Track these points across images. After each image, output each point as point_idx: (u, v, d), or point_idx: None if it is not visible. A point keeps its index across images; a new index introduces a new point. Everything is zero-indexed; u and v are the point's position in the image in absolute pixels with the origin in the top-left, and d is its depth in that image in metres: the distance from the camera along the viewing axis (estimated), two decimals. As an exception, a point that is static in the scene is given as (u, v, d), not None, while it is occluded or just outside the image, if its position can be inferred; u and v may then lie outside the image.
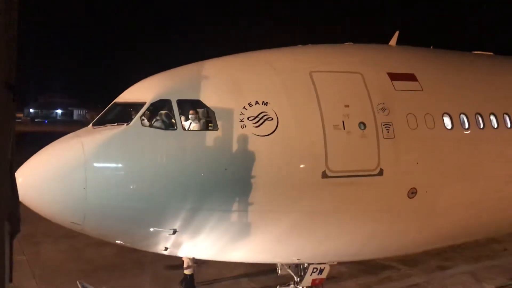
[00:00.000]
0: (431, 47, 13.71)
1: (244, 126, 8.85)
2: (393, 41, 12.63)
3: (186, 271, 13.42)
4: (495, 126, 11.73)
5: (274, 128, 8.93)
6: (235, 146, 8.78)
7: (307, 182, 9.16)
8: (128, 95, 9.74)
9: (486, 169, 11.58)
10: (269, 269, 13.50)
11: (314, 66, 9.84)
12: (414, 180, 10.14)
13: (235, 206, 8.92)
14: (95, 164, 8.45)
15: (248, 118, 8.89)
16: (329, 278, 14.14)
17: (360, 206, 9.84)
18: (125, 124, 8.83)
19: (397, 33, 12.65)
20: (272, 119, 8.95)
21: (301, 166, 9.17)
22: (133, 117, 9.00)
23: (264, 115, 8.94)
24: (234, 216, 8.99)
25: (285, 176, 9.06)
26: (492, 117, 11.70)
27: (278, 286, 11.56)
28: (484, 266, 17.09)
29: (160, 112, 9.05)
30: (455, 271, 16.60)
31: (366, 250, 10.93)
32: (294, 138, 9.15)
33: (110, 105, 9.61)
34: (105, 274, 15.44)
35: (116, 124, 8.94)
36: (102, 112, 9.52)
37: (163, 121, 8.99)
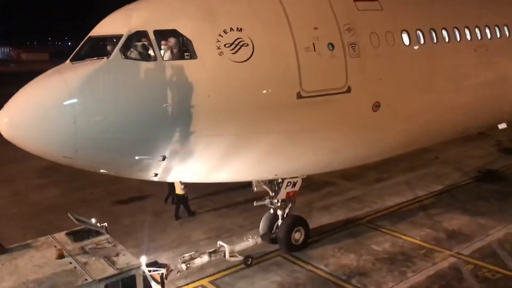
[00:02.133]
0: None
1: (221, 53, 9.05)
2: None
3: (179, 192, 14.71)
4: (447, 40, 12.62)
5: (250, 54, 9.20)
6: (215, 73, 9.07)
7: (284, 103, 9.65)
8: (102, 29, 9.72)
9: (439, 80, 12.48)
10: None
11: None
12: (378, 95, 10.89)
13: (219, 130, 9.34)
14: (82, 99, 8.54)
15: (224, 45, 9.07)
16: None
17: (331, 122, 10.54)
18: (105, 57, 8.88)
19: None
20: (247, 45, 9.20)
21: (278, 89, 9.58)
22: (109, 50, 9.06)
23: (240, 42, 9.16)
24: (219, 140, 9.43)
25: (264, 99, 9.50)
26: (444, 32, 12.51)
27: (255, 201, 12.37)
28: (417, 175, 18.43)
29: (138, 44, 9.12)
30: (391, 182, 17.85)
31: (335, 162, 11.83)
32: (270, 63, 9.49)
33: (84, 39, 9.61)
34: (51, 215, 15.24)
35: (95, 58, 8.98)
36: (78, 47, 9.47)
37: (142, 52, 9.07)
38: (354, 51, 10.31)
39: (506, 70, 14.73)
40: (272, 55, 9.50)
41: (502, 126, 16.34)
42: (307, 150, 10.73)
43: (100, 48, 9.37)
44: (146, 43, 9.05)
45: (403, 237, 13.07)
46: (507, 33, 14.57)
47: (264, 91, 9.49)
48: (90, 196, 17.42)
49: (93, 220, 9.52)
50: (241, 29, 9.21)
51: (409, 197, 16.18)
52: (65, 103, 8.41)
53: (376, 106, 10.86)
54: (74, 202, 16.64)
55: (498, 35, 14.25)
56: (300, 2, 10.07)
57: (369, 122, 11.07)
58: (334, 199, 15.76)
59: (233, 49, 9.10)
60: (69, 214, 9.59)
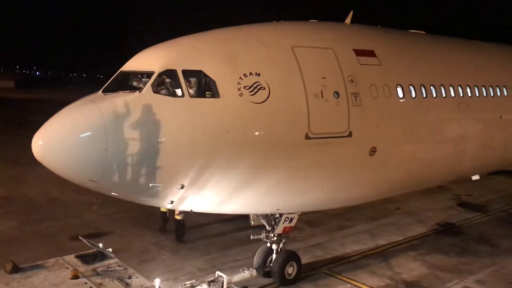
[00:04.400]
0: (379, 25, 15.60)
1: (241, 94, 10.02)
2: (348, 20, 14.20)
3: (178, 217, 15.77)
4: (434, 95, 13.98)
5: (267, 96, 10.20)
6: (235, 112, 10.00)
7: (294, 142, 10.61)
8: (134, 64, 10.65)
9: (426, 131, 13.85)
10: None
11: (295, 42, 11.20)
12: (375, 141, 12.00)
13: (234, 163, 10.14)
14: (115, 127, 9.26)
15: (244, 87, 10.06)
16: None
17: (333, 162, 11.51)
18: (137, 91, 9.76)
19: (351, 13, 14.26)
20: (264, 88, 10.21)
21: (289, 129, 10.55)
22: (139, 85, 9.98)
23: (258, 85, 10.16)
24: (233, 173, 10.24)
25: (276, 137, 10.43)
26: (432, 88, 13.95)
27: (251, 235, 13.02)
28: (379, 224, 18.68)
29: (167, 81, 9.96)
30: (354, 230, 17.99)
31: (333, 200, 12.70)
32: (283, 105, 10.47)
33: (116, 73, 10.55)
34: (4, 248, 14.57)
35: (128, 91, 9.86)
36: (110, 80, 10.40)
37: (170, 89, 9.92)
38: (356, 100, 11.47)
39: (484, 125, 16.13)
40: (285, 98, 10.52)
41: (476, 177, 17.56)
42: (309, 188, 11.57)
43: (132, 82, 10.29)
44: (174, 81, 9.92)
45: (363, 286, 13.10)
46: (484, 92, 16.06)
47: (277, 130, 10.42)
48: (47, 230, 16.82)
49: (101, 245, 10.36)
50: (259, 74, 10.26)
51: (370, 246, 16.34)
52: (99, 130, 9.16)
53: (373, 151, 11.95)
54: (29, 236, 16.01)
55: (477, 93, 15.73)
56: (310, 53, 11.19)
57: (366, 165, 12.12)
58: (298, 245, 15.69)
59: (252, 91, 10.10)
60: (80, 237, 10.53)
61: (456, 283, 13.53)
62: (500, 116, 16.68)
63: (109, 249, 10.34)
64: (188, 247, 15.78)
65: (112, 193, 10.17)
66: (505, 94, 16.85)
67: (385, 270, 14.33)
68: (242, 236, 16.11)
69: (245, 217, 14.30)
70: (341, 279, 13.56)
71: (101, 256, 10.07)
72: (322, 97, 10.85)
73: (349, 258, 15.26)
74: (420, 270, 14.39)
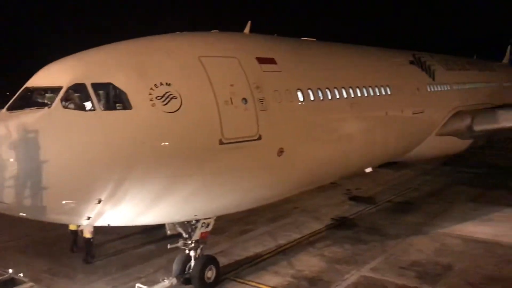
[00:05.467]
0: (275, 34, 16.40)
1: (154, 104, 10.08)
2: (246, 30, 14.88)
3: (88, 235, 15.17)
4: (330, 97, 14.97)
5: (179, 105, 10.32)
6: (148, 122, 10.02)
7: (208, 148, 10.85)
8: (41, 80, 10.43)
9: (326, 130, 14.86)
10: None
11: (201, 52, 11.54)
12: (282, 142, 12.63)
13: (152, 175, 10.14)
14: (24, 145, 9.03)
15: (156, 98, 10.13)
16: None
17: (246, 165, 11.88)
18: (46, 107, 9.59)
19: (249, 23, 14.94)
20: (176, 98, 10.33)
21: (203, 136, 10.78)
22: (46, 100, 9.82)
23: (170, 95, 10.26)
24: (151, 183, 10.23)
25: (191, 145, 10.57)
26: (327, 91, 14.91)
27: (168, 244, 13.08)
28: (279, 225, 19.27)
29: (76, 95, 9.83)
30: (256, 233, 18.30)
31: (247, 201, 13.09)
32: (196, 113, 10.68)
33: (21, 90, 10.26)
34: None
35: (35, 108, 9.69)
36: (14, 97, 10.12)
37: (80, 103, 9.76)
38: (262, 105, 12.03)
39: (374, 122, 17.62)
40: (197, 107, 10.73)
41: (369, 169, 19.01)
42: (225, 191, 11.85)
43: (39, 98, 10.05)
44: (84, 94, 9.77)
45: (268, 288, 13.30)
46: (372, 92, 17.51)
47: (191, 138, 10.57)
48: None
49: (11, 270, 10.26)
50: (169, 84, 10.35)
51: (272, 247, 16.67)
52: (6, 149, 8.91)
53: (281, 152, 12.55)
54: None
55: (366, 94, 17.08)
56: (217, 63, 11.59)
57: (275, 165, 12.72)
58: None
59: (164, 101, 10.16)
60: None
61: (353, 274, 14.28)
62: (386, 112, 18.30)
63: (20, 274, 10.19)
64: (86, 270, 14.82)
65: (22, 214, 9.78)
66: (389, 93, 18.48)
67: (287, 269, 14.70)
68: (142, 252, 15.69)
69: (143, 232, 13.94)
70: (246, 284, 13.65)
71: (13, 282, 10.02)
72: (232, 103, 11.20)
73: (253, 261, 15.40)
74: (319, 265, 15.00)
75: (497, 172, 27.86)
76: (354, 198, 23.15)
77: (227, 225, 18.15)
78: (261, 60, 12.81)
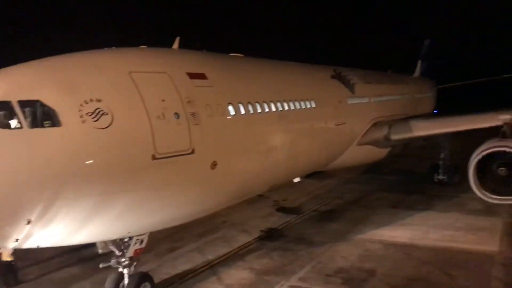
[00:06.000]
0: (204, 50, 16.49)
1: (84, 121, 9.87)
2: (175, 45, 14.93)
3: (8, 258, 14.57)
4: (259, 111, 15.44)
5: (110, 121, 10.17)
6: (79, 139, 9.79)
7: (142, 164, 10.73)
8: None
9: (256, 142, 15.26)
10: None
11: (132, 68, 11.46)
12: (215, 155, 12.76)
13: (84, 192, 9.87)
14: None
15: (86, 114, 9.94)
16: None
17: (180, 179, 11.91)
18: None
19: (178, 39, 14.99)
20: (107, 114, 10.18)
21: (136, 151, 10.64)
22: None
23: (100, 111, 10.09)
24: (83, 202, 9.94)
25: (124, 161, 10.42)
26: (257, 105, 15.37)
27: (100, 264, 12.77)
28: (208, 240, 19.17)
29: (2, 113, 9.47)
30: (184, 250, 18.05)
31: (182, 216, 13.03)
32: (128, 129, 10.55)
33: None
34: None
35: None
36: None
37: (6, 121, 9.41)
38: (195, 119, 12.11)
39: (301, 134, 18.25)
40: (129, 122, 10.62)
41: (297, 179, 19.66)
42: (159, 207, 11.73)
43: None
44: (10, 112, 9.43)
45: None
46: (298, 106, 18.12)
47: (124, 154, 10.42)
48: None
49: None
50: (100, 100, 10.20)
51: (201, 263, 16.50)
52: None
53: (214, 165, 12.69)
54: None
55: (293, 107, 17.69)
56: (147, 78, 11.54)
57: (209, 178, 12.86)
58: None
59: (94, 117, 10.01)
60: None
61: (282, 285, 14.48)
62: (311, 125, 19.13)
63: None
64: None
65: None
66: (313, 106, 19.22)
67: (216, 285, 14.59)
68: (65, 276, 15.03)
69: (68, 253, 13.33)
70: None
71: None
72: (164, 118, 11.21)
73: (182, 279, 15.14)
74: (249, 278, 15.04)
75: (413, 178, 29.69)
76: (281, 209, 23.56)
77: (153, 243, 17.62)
78: (192, 75, 12.94)
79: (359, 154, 23.74)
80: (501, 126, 21.06)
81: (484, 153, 19.20)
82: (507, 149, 18.72)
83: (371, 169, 31.21)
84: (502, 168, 19.30)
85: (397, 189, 27.07)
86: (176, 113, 11.59)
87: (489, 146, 19.26)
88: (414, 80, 44.31)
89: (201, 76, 13.35)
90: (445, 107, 43.49)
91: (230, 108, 13.96)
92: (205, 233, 19.86)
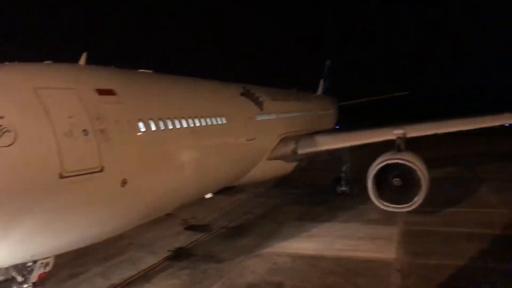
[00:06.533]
0: (112, 66, 16.07)
1: None
2: (82, 61, 14.34)
3: None
4: (171, 127, 15.30)
5: (13, 139, 9.75)
6: None
7: (48, 183, 10.28)
8: None
9: (168, 159, 15.09)
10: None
11: (37, 83, 11.02)
12: (125, 173, 12.46)
13: None
14: None
15: None
16: None
17: (89, 198, 11.46)
18: None
19: (85, 54, 14.42)
20: (10, 131, 9.76)
21: (42, 170, 10.19)
22: None
23: (2, 128, 9.69)
24: None
25: (29, 180, 9.94)
26: (168, 121, 15.23)
27: None
28: (113, 263, 18.29)
29: None
30: (87, 275, 17.11)
31: (91, 236, 12.47)
32: (33, 147, 10.12)
33: None
34: None
35: None
36: None
37: None
38: (104, 136, 11.81)
39: (212, 149, 18.29)
40: (34, 140, 10.18)
41: (209, 195, 19.55)
42: (66, 227, 11.20)
43: None
44: None
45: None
46: (209, 122, 18.17)
47: (29, 173, 9.96)
48: None
49: None
50: (2, 117, 9.78)
51: (104, 288, 15.61)
52: None
53: (124, 182, 12.36)
54: None
55: (204, 123, 17.71)
56: (54, 95, 11.11)
57: (119, 196, 12.52)
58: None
59: None
60: None
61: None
62: (223, 141, 19.26)
63: None
64: None
65: None
66: (224, 122, 19.40)
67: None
68: None
69: None
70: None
71: None
72: (72, 135, 10.90)
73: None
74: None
75: (318, 191, 30.87)
76: (190, 228, 23.18)
77: (54, 269, 16.38)
78: (101, 92, 12.66)
79: (268, 168, 24.36)
80: (395, 140, 22.88)
81: (380, 165, 20.70)
82: (400, 161, 20.32)
83: (279, 183, 31.98)
84: (397, 179, 20.91)
85: (303, 201, 27.96)
86: (84, 130, 11.27)
87: (385, 158, 20.81)
88: (318, 97, 46.50)
89: (110, 92, 13.14)
90: (347, 122, 46.02)
91: (141, 124, 13.74)
92: (110, 256, 18.90)
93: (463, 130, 25.36)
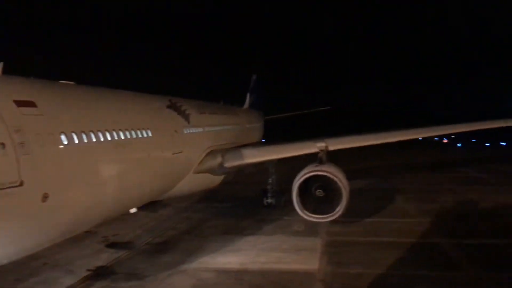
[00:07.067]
0: (32, 77, 15.36)
1: None
2: None
3: None
4: (94, 140, 14.85)
5: None
6: None
7: None
8: None
9: (93, 173, 14.67)
10: None
11: None
12: (46, 187, 12.08)
13: None
14: None
15: None
16: None
17: (7, 214, 10.98)
18: None
19: (1, 64, 13.81)
20: None
21: None
22: None
23: None
24: None
25: None
26: (91, 133, 14.79)
27: None
28: (27, 285, 17.12)
29: None
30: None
31: (7, 253, 11.84)
32: None
33: None
34: None
35: None
36: None
37: None
38: (23, 149, 11.38)
39: (139, 163, 17.98)
40: None
41: (134, 210, 19.15)
42: None
43: None
44: None
45: None
46: (134, 135, 17.76)
47: None
48: None
49: None
50: None
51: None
52: None
53: (45, 197, 11.95)
54: None
55: (129, 136, 17.27)
56: None
57: (40, 212, 12.08)
58: None
59: None
60: None
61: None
62: (148, 154, 18.79)
63: None
64: None
65: None
66: (150, 135, 19.00)
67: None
68: None
69: None
70: None
71: None
72: None
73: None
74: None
75: (244, 204, 30.98)
76: (112, 245, 22.15)
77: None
78: (20, 103, 12.15)
79: (195, 182, 24.16)
80: (318, 153, 23.65)
81: (304, 177, 21.29)
82: (322, 173, 21.05)
83: (205, 197, 31.67)
84: (320, 190, 21.66)
85: (229, 215, 27.85)
86: (1, 143, 10.83)
87: (308, 171, 21.46)
88: (244, 111, 46.95)
89: (30, 104, 12.64)
90: (273, 136, 46.79)
91: (63, 137, 13.28)
92: (23, 278, 17.53)
93: (386, 143, 27.10)
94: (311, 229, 23.10)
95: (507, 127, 28.78)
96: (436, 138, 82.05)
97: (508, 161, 52.37)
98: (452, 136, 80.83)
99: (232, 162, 25.79)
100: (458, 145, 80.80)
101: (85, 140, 14.39)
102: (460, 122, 29.98)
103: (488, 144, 78.17)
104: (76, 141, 13.93)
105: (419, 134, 31.83)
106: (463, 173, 44.34)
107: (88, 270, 18.63)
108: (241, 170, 29.38)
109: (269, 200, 29.54)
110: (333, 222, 22.08)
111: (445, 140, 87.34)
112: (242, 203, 31.33)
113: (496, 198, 31.30)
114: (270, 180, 29.64)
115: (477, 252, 19.63)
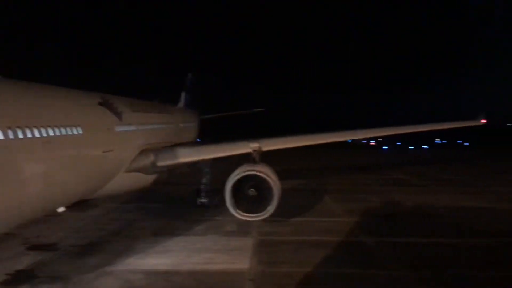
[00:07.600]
0: None
1: None
2: None
3: None
4: (21, 136, 14.15)
5: None
6: None
7: None
8: None
9: (16, 171, 13.84)
10: None
11: None
12: None
13: None
14: None
15: None
16: None
17: None
18: None
19: None
20: None
21: None
22: None
23: None
24: None
25: None
26: (18, 130, 14.06)
27: None
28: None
29: None
30: None
31: None
32: None
33: None
34: None
35: None
36: None
37: None
38: None
39: (68, 160, 17.42)
40: None
41: (61, 209, 18.42)
42: None
43: None
44: None
45: None
46: (64, 132, 17.02)
47: None
48: None
49: None
50: None
51: None
52: None
53: None
54: None
55: (58, 133, 16.53)
56: None
57: None
58: None
59: None
60: None
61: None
62: (78, 151, 18.15)
63: None
64: None
65: None
66: (81, 133, 18.25)
67: None
68: None
69: None
70: None
71: None
72: None
73: None
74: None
75: (178, 203, 30.62)
76: (34, 247, 20.98)
77: None
78: None
79: (127, 181, 23.52)
80: (251, 153, 23.90)
81: (237, 177, 21.47)
82: (254, 173, 21.36)
83: (137, 197, 30.93)
84: (252, 190, 21.95)
85: (161, 216, 27.35)
86: None
87: (242, 170, 21.68)
88: (179, 110, 46.33)
89: None
90: (209, 135, 46.62)
91: None
92: None
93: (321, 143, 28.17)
94: (243, 229, 23.28)
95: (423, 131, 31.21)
96: (364, 141, 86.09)
97: (428, 163, 55.94)
98: (379, 139, 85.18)
99: (165, 161, 25.45)
100: (384, 147, 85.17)
101: (11, 137, 13.65)
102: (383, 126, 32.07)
103: (412, 147, 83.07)
104: (2, 137, 13.20)
105: (350, 136, 33.24)
106: (387, 175, 46.63)
107: (7, 274, 17.54)
108: (174, 169, 29.03)
109: (203, 200, 29.44)
110: (265, 221, 22.41)
111: (372, 143, 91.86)
112: (174, 204, 30.91)
113: (418, 198, 33.22)
114: (204, 180, 29.55)
115: (401, 250, 20.67)
